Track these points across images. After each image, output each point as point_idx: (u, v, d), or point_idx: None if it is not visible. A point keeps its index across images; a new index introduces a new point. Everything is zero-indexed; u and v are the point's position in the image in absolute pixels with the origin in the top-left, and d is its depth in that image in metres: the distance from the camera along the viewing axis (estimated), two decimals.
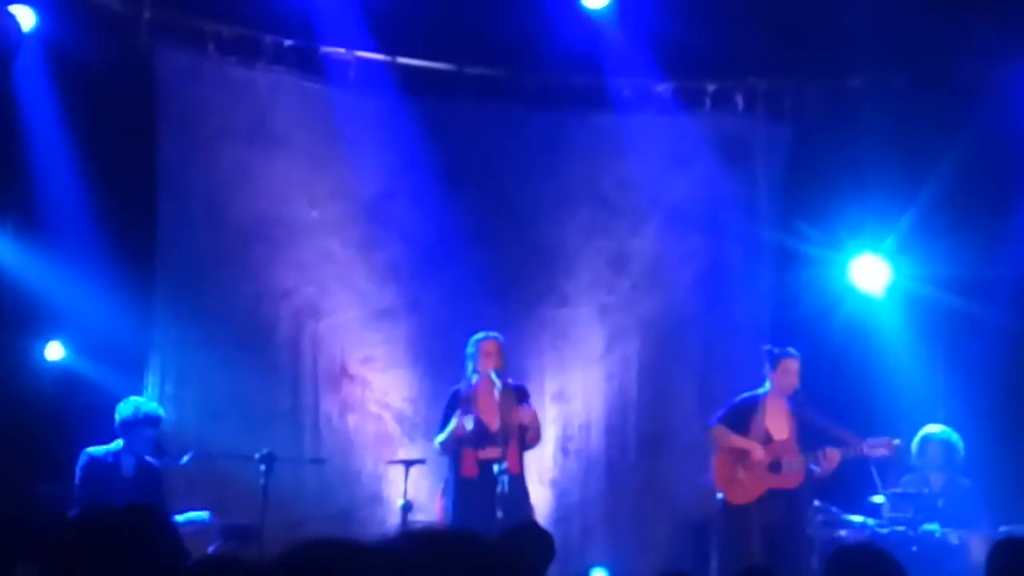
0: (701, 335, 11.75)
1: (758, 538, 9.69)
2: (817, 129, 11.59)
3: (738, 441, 9.84)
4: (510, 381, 9.86)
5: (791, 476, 9.75)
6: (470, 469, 9.61)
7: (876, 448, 9.71)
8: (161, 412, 9.37)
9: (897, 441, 9.79)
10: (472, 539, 3.09)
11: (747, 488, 9.80)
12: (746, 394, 10.01)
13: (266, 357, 11.15)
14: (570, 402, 11.68)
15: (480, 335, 9.84)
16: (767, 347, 10.09)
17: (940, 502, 9.87)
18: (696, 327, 11.75)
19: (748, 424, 9.88)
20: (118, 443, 9.19)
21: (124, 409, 9.22)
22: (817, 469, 9.71)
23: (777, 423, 9.90)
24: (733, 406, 9.98)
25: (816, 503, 9.91)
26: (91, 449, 9.16)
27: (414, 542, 3.06)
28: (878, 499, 10.01)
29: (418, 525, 8.53)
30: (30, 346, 10.47)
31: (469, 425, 9.63)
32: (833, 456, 9.66)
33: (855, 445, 9.72)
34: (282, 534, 9.38)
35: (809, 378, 9.96)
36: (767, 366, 9.96)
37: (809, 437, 9.80)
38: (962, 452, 10.06)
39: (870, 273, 11.53)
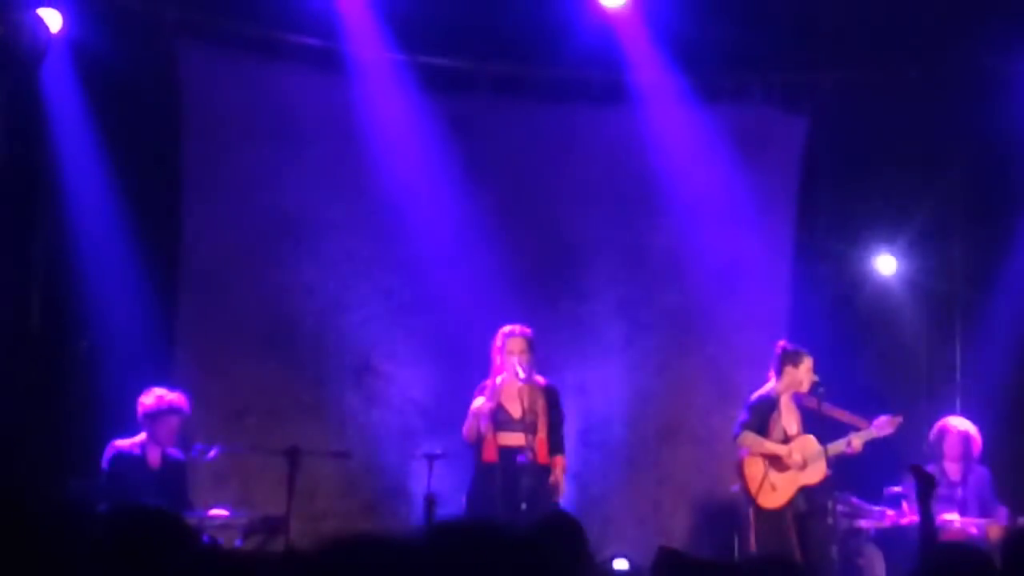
0: (719, 328, 11.79)
1: (794, 536, 9.72)
2: (833, 122, 11.66)
3: (771, 447, 9.81)
4: (540, 379, 9.95)
5: (818, 470, 9.74)
6: (490, 454, 9.70)
7: (883, 428, 9.72)
8: (184, 401, 9.27)
9: (899, 418, 9.75)
10: (499, 531, 3.10)
11: (780, 492, 9.79)
12: (760, 393, 9.97)
13: (290, 352, 11.23)
14: (590, 395, 11.71)
15: (506, 329, 9.89)
16: (783, 345, 10.01)
17: (959, 492, 9.93)
18: (714, 320, 11.80)
19: (768, 424, 9.85)
20: (142, 435, 9.20)
21: (146, 400, 9.18)
22: (850, 451, 9.72)
23: (790, 420, 9.90)
24: (753, 408, 9.91)
25: (835, 493, 9.83)
26: (118, 441, 9.19)
27: (442, 536, 3.09)
28: (897, 489, 10.08)
29: (443, 518, 8.61)
30: (57, 341, 10.57)
31: (479, 403, 9.72)
32: (856, 443, 9.71)
33: (864, 428, 9.76)
34: (307, 527, 9.54)
35: (825, 371, 9.96)
36: (781, 364, 9.89)
37: (815, 427, 9.77)
38: (979, 443, 10.11)
39: (886, 266, 11.60)
